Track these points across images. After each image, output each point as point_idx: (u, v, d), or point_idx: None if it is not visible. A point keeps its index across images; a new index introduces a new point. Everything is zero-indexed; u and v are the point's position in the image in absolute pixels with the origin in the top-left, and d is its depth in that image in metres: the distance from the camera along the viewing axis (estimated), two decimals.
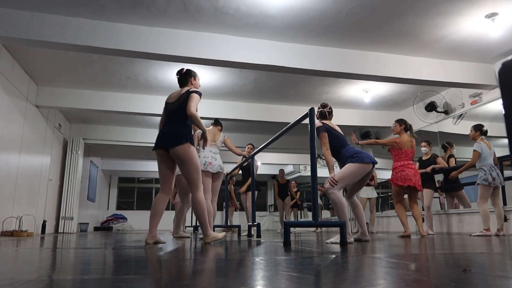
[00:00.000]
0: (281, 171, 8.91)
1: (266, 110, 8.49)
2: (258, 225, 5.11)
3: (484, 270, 1.45)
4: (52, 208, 8.75)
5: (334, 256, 2.04)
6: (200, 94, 3.34)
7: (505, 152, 5.82)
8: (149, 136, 10.08)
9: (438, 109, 7.55)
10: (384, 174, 9.58)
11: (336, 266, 1.58)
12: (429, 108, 7.58)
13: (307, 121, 3.27)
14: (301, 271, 1.39)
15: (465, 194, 6.60)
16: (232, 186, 11.21)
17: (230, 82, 7.24)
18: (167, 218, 9.97)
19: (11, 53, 6.06)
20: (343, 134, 3.75)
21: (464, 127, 6.87)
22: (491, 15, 4.87)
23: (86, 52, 5.33)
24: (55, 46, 5.01)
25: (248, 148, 6.45)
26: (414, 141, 5.23)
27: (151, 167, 15.05)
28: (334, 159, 3.70)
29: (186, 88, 3.40)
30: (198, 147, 4.91)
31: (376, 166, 3.64)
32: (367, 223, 7.49)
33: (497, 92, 6.47)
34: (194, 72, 3.58)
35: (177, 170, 5.51)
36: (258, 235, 5.01)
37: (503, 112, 0.88)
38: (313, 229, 9.52)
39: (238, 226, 6.71)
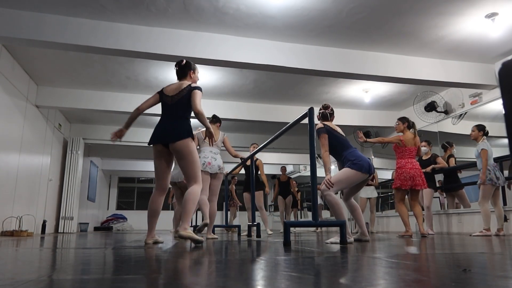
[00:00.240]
0: (283, 168, 8.84)
1: (266, 110, 8.49)
2: (258, 225, 5.11)
3: (484, 270, 1.45)
4: (52, 208, 8.75)
5: (334, 256, 2.04)
6: (201, 90, 3.32)
7: (505, 152, 5.82)
8: (149, 136, 10.01)
9: (438, 109, 7.55)
10: (384, 174, 9.59)
11: (336, 266, 1.58)
12: (428, 108, 7.58)
13: (306, 121, 3.27)
14: (301, 271, 1.39)
15: (465, 194, 6.60)
16: (234, 186, 11.19)
17: (230, 82, 7.24)
18: (167, 218, 9.99)
19: (11, 53, 6.06)
20: (344, 135, 3.75)
21: (464, 127, 6.87)
22: (491, 15, 4.87)
23: (86, 52, 5.32)
24: (55, 46, 5.01)
25: (252, 147, 6.45)
26: (417, 139, 5.24)
27: (151, 167, 14.98)
28: (333, 159, 3.70)
29: (186, 83, 3.34)
30: (197, 147, 4.90)
31: (376, 166, 3.64)
32: (367, 223, 7.49)
33: (497, 92, 6.47)
34: (194, 64, 3.51)
35: (178, 177, 5.52)
36: (258, 235, 5.01)
37: (503, 112, 0.88)
38: (313, 229, 9.52)
39: (238, 226, 6.72)
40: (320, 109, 3.83)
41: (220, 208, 13.09)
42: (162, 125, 3.27)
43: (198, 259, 1.88)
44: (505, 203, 5.69)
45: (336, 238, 3.25)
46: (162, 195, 3.33)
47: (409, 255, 2.05)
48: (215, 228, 7.21)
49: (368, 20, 5.04)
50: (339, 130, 3.73)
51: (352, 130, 9.49)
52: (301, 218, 12.13)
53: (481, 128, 5.37)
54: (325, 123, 3.72)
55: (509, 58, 5.87)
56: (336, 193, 3.55)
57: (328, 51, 5.84)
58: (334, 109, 3.91)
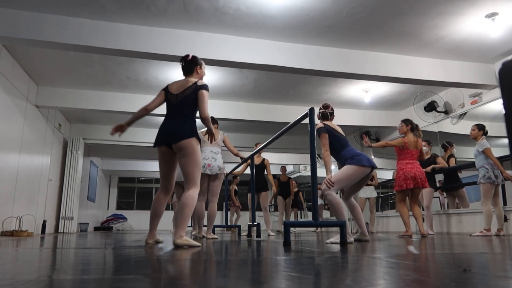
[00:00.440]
0: (283, 168, 8.81)
1: (266, 110, 8.49)
2: (258, 225, 5.10)
3: (484, 270, 1.45)
4: (52, 208, 8.75)
5: (334, 256, 2.04)
6: (208, 89, 3.16)
7: (505, 152, 5.82)
8: (149, 136, 10.07)
9: (438, 109, 7.55)
10: (384, 174, 9.59)
11: (336, 266, 1.58)
12: (428, 108, 7.58)
13: (307, 121, 3.27)
14: (301, 271, 1.39)
15: (465, 194, 6.61)
16: (235, 186, 11.12)
17: (230, 82, 7.24)
18: (167, 218, 9.98)
19: (11, 53, 6.06)
20: (344, 135, 3.75)
21: (464, 127, 6.87)
22: (491, 15, 4.87)
23: (86, 52, 5.32)
24: (55, 46, 5.01)
25: (256, 147, 6.44)
26: (420, 141, 5.25)
27: (151, 167, 15.05)
28: (333, 159, 3.70)
29: (192, 80, 3.18)
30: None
31: (376, 166, 3.64)
32: (366, 223, 7.49)
33: (497, 92, 6.47)
34: (200, 60, 3.34)
35: (181, 176, 5.50)
36: (258, 235, 5.01)
37: (503, 112, 0.88)
38: (313, 229, 9.52)
39: (238, 226, 6.72)
40: (320, 109, 3.83)
41: (220, 208, 13.09)
42: (166, 125, 3.14)
43: (198, 259, 1.88)
44: (505, 203, 5.69)
45: (336, 238, 3.25)
46: (165, 196, 3.24)
47: (409, 255, 2.05)
48: (215, 228, 7.21)
49: (368, 20, 5.04)
50: (339, 129, 3.74)
51: (352, 130, 9.50)
52: (301, 218, 12.13)
53: (481, 128, 5.37)
54: (325, 122, 3.72)
55: (509, 58, 5.87)
56: (337, 193, 3.55)
57: (328, 51, 5.84)
58: (334, 109, 3.91)
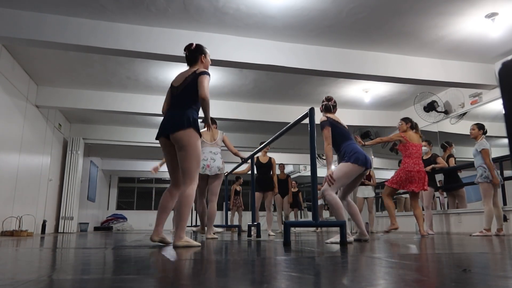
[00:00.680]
0: (281, 166, 8.76)
1: (266, 110, 8.49)
2: (258, 225, 5.10)
3: (484, 270, 1.45)
4: (52, 208, 8.75)
5: (334, 256, 2.04)
6: (209, 74, 2.99)
7: (505, 152, 5.82)
8: (149, 136, 10.08)
9: (438, 109, 7.55)
10: (384, 174, 9.59)
11: (336, 266, 1.58)
12: (427, 108, 7.58)
13: (307, 121, 3.27)
14: (301, 271, 1.39)
15: (465, 194, 6.61)
16: (238, 186, 11.06)
17: (230, 82, 7.24)
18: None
19: (11, 53, 6.06)
20: (347, 127, 3.76)
21: (464, 127, 6.87)
22: (491, 15, 4.87)
23: (86, 52, 5.32)
24: (55, 46, 5.01)
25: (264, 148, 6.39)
26: (420, 138, 5.27)
27: (151, 167, 15.04)
28: (334, 159, 3.70)
29: (192, 70, 3.05)
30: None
31: (375, 166, 3.64)
32: (366, 223, 7.49)
33: (497, 92, 6.47)
34: (205, 48, 3.17)
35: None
36: (258, 235, 5.01)
37: (503, 112, 0.88)
38: (313, 229, 9.51)
39: (238, 226, 6.72)
40: (323, 101, 3.83)
41: (220, 208, 13.09)
42: (165, 117, 3.01)
43: (198, 259, 1.88)
44: (505, 203, 5.69)
45: (336, 238, 3.25)
46: (174, 191, 3.07)
47: (409, 255, 2.05)
48: (215, 228, 7.19)
49: (368, 20, 5.04)
50: (342, 122, 3.75)
51: (352, 130, 9.49)
52: (301, 218, 12.13)
53: (480, 127, 5.38)
54: (328, 115, 3.72)
55: (509, 58, 5.87)
56: (336, 193, 3.55)
57: (328, 51, 5.84)
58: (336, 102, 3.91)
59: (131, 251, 2.46)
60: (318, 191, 3.72)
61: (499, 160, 5.59)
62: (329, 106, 3.78)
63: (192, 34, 5.31)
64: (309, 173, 2.84)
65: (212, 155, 4.92)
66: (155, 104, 7.71)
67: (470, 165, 6.00)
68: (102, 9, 4.77)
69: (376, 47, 5.86)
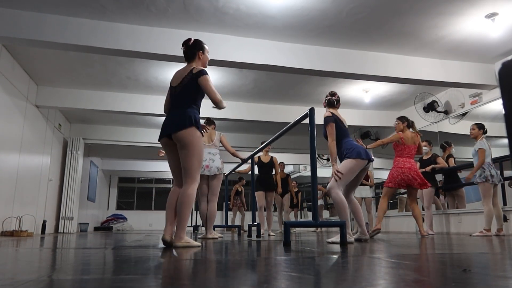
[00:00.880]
0: (281, 164, 8.70)
1: (266, 110, 8.49)
2: (258, 225, 5.10)
3: (484, 270, 1.45)
4: (52, 208, 8.75)
5: (334, 256, 2.04)
6: (206, 73, 2.97)
7: (505, 152, 5.82)
8: (149, 136, 10.08)
9: (438, 109, 7.55)
10: (383, 174, 9.58)
11: (336, 266, 1.58)
12: (427, 109, 7.58)
13: (307, 121, 3.27)
14: (301, 271, 1.39)
15: (464, 194, 6.61)
16: (240, 187, 11.04)
17: (230, 82, 7.24)
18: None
19: (11, 53, 6.06)
20: (347, 126, 3.79)
21: (464, 127, 6.87)
22: (491, 15, 4.87)
23: (86, 52, 5.32)
24: (55, 46, 5.01)
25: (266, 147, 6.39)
26: (418, 137, 5.24)
27: (151, 167, 15.05)
28: None
29: (188, 68, 3.01)
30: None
31: (375, 166, 3.66)
32: (366, 223, 7.49)
33: (497, 92, 6.47)
34: (203, 44, 3.12)
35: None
36: (258, 235, 5.01)
37: (503, 112, 0.88)
38: (313, 229, 9.51)
39: (238, 226, 6.72)
40: (327, 96, 3.84)
41: (220, 208, 13.09)
42: (167, 117, 3.00)
43: (198, 259, 1.88)
44: (505, 203, 5.69)
45: (337, 238, 3.25)
46: (179, 190, 3.02)
47: (409, 255, 2.05)
48: (215, 228, 7.20)
49: (368, 20, 5.04)
50: (343, 119, 3.79)
51: (352, 130, 9.49)
52: (301, 218, 12.13)
53: (480, 127, 5.38)
54: (332, 111, 3.73)
55: (509, 58, 5.87)
56: (341, 188, 3.56)
57: (328, 51, 5.84)
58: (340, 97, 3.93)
59: (131, 251, 2.46)
60: (318, 191, 3.73)
61: (499, 160, 5.58)
62: (333, 101, 3.79)
63: (192, 34, 5.31)
64: (309, 173, 2.84)
65: (211, 156, 4.93)
66: (155, 104, 7.71)
67: (469, 165, 6.01)
68: (102, 9, 4.77)
69: (376, 47, 5.86)
